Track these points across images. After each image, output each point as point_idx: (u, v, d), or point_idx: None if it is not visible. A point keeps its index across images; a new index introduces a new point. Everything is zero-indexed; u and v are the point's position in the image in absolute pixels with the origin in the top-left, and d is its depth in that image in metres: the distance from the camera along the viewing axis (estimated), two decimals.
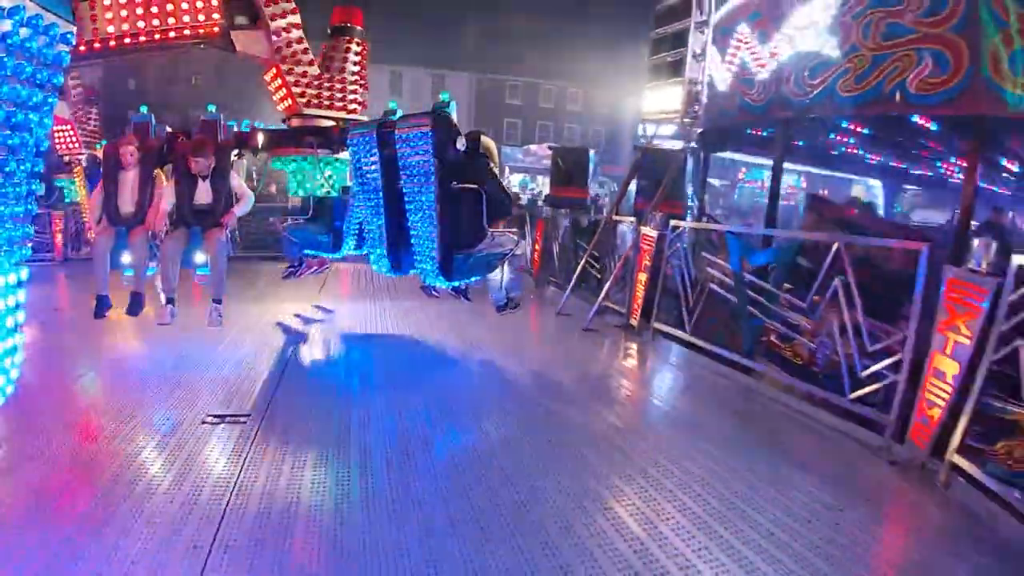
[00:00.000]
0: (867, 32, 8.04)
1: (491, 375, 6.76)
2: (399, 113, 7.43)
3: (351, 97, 7.91)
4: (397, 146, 6.46)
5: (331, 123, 7.76)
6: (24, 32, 3.45)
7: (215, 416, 5.12)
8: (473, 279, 7.04)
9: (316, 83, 7.67)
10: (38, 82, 3.58)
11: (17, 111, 3.47)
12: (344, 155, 7.69)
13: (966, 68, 6.94)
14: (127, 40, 7.30)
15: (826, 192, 23.49)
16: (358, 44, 7.94)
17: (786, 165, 15.66)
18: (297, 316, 8.88)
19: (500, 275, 7.27)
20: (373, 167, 6.81)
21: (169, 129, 8.26)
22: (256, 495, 3.86)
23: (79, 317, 7.56)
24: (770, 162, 11.93)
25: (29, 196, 3.59)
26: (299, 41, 7.57)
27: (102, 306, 7.37)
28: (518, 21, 45.32)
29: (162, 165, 7.79)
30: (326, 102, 7.77)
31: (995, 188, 15.29)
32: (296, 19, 7.56)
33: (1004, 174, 14.23)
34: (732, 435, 5.29)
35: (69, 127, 12.24)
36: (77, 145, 12.29)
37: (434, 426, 5.15)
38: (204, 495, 3.83)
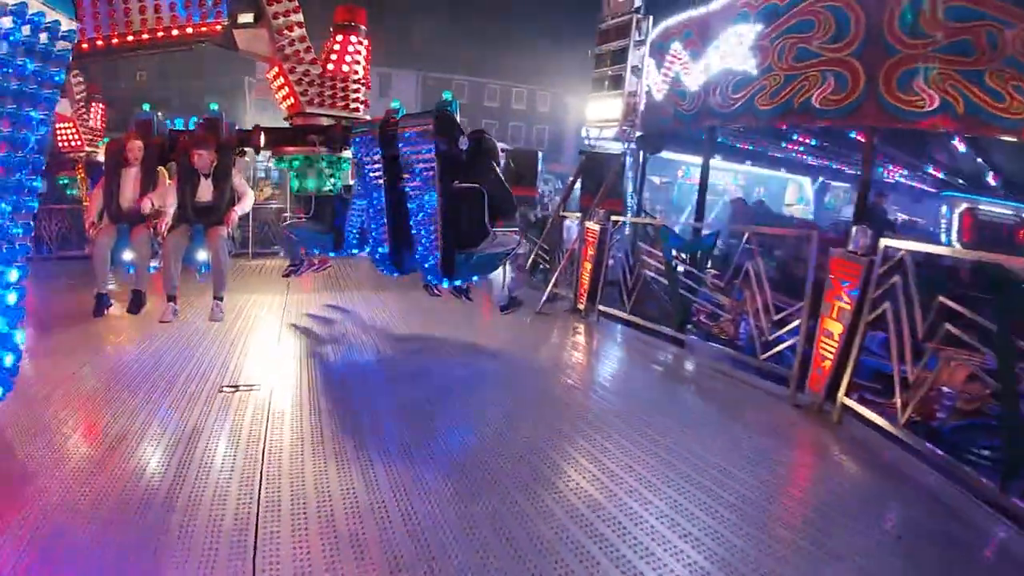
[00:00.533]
0: (781, 55, 9.73)
1: (458, 353, 7.29)
2: (402, 112, 7.43)
3: (353, 96, 7.90)
4: (400, 145, 6.46)
5: (333, 122, 7.75)
6: (27, 29, 3.45)
7: (230, 386, 5.58)
8: (475, 278, 7.05)
9: (318, 82, 7.67)
10: (40, 79, 3.58)
11: (19, 107, 3.48)
12: (346, 154, 7.69)
13: (862, 86, 8.60)
14: (130, 38, 7.31)
15: (762, 190, 28.39)
16: (361, 43, 7.93)
17: (727, 164, 22.73)
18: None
19: (503, 275, 7.29)
20: (375, 166, 6.80)
21: (171, 127, 8.29)
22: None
23: (76, 315, 7.54)
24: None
25: (31, 192, 3.59)
26: (302, 39, 7.56)
27: (101, 304, 7.39)
28: (464, 21, 46.35)
29: (164, 163, 7.80)
30: (328, 101, 7.76)
31: (923, 186, 19.39)
32: (299, 17, 7.55)
33: (929, 174, 17.96)
34: (667, 392, 6.66)
35: (71, 124, 12.25)
36: (79, 142, 12.30)
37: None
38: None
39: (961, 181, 16.29)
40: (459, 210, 6.47)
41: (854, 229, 5.70)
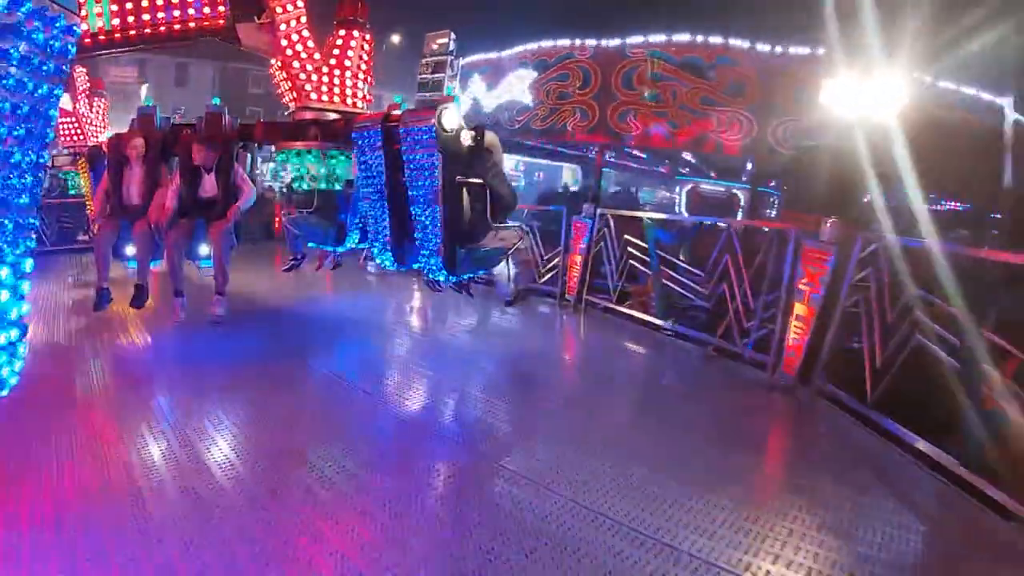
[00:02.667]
0: (548, 93, 15.26)
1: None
2: (404, 107, 7.43)
3: (356, 91, 7.89)
4: (401, 140, 6.46)
5: (336, 116, 7.75)
6: (30, 23, 3.44)
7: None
8: (477, 273, 7.05)
9: (321, 76, 7.66)
10: (44, 74, 3.58)
11: (23, 102, 3.48)
12: (348, 148, 7.69)
13: (598, 118, 14.38)
14: (132, 33, 7.31)
15: (541, 175, 38.25)
16: (364, 37, 7.92)
17: (512, 157, 28.58)
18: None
19: (506, 270, 7.31)
20: (377, 161, 6.80)
21: (174, 122, 8.29)
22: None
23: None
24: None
25: (35, 187, 3.59)
26: (303, 34, 7.56)
27: (102, 299, 7.40)
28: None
29: (167, 158, 7.80)
30: (330, 95, 7.76)
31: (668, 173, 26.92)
32: (301, 12, 7.54)
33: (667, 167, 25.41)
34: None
35: (74, 119, 12.25)
36: (82, 137, 12.30)
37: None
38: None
39: (687, 170, 23.86)
40: (461, 205, 6.47)
41: (585, 205, 10.10)
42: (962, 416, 4.77)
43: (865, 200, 8.86)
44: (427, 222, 6.51)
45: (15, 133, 3.46)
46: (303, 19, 7.58)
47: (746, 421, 6.01)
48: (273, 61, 7.81)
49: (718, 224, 9.15)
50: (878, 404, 5.60)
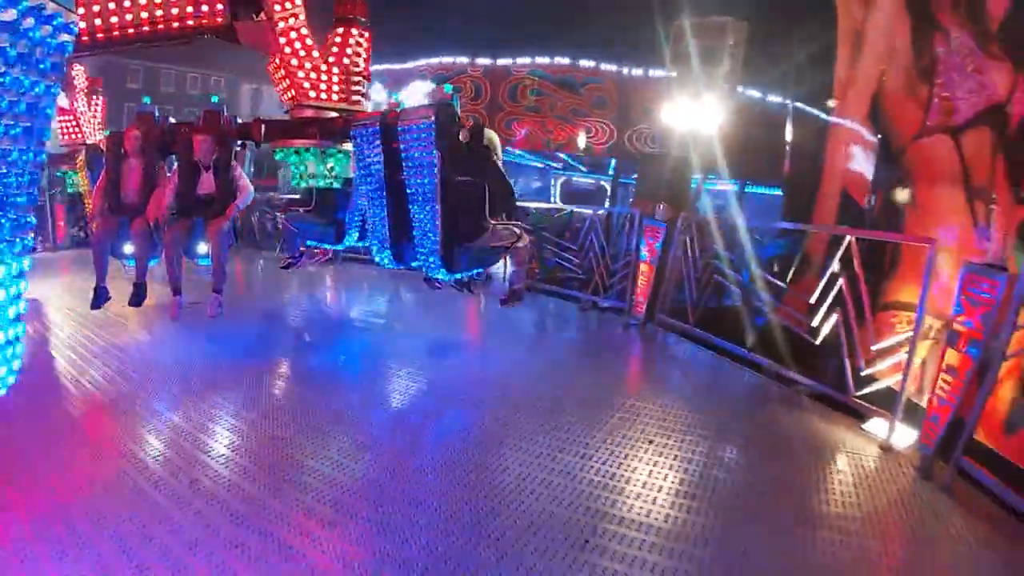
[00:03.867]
0: None
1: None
2: (403, 105, 7.42)
3: (354, 88, 7.88)
4: (400, 138, 6.45)
5: (334, 114, 7.74)
6: (27, 21, 3.43)
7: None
8: (475, 271, 7.04)
9: (319, 74, 7.65)
10: (41, 71, 3.57)
11: (20, 100, 3.47)
12: (347, 146, 7.68)
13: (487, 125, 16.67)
14: (130, 31, 7.29)
15: None
16: (362, 35, 7.91)
17: None
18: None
19: (503, 268, 7.31)
20: (376, 159, 6.80)
21: (173, 120, 8.27)
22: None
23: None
24: None
25: (32, 186, 3.59)
26: (302, 32, 7.55)
27: (100, 297, 7.38)
28: None
29: (165, 155, 7.79)
30: (329, 93, 7.75)
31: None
32: (300, 9, 7.53)
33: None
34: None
35: (72, 117, 12.22)
36: (80, 135, 12.26)
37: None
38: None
39: (559, 165, 26.78)
40: (459, 203, 6.46)
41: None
42: (744, 322, 7.69)
43: (693, 188, 11.65)
44: (426, 220, 6.51)
45: (12, 131, 3.46)
46: (301, 16, 7.57)
47: (613, 345, 8.60)
48: (271, 59, 7.79)
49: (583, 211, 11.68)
50: (696, 324, 8.34)
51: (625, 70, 17.55)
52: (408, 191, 6.58)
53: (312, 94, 7.67)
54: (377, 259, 7.40)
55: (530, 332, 9.19)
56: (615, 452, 4.81)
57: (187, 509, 3.57)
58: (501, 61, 17.30)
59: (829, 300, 5.89)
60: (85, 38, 6.82)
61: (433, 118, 6.17)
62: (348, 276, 12.28)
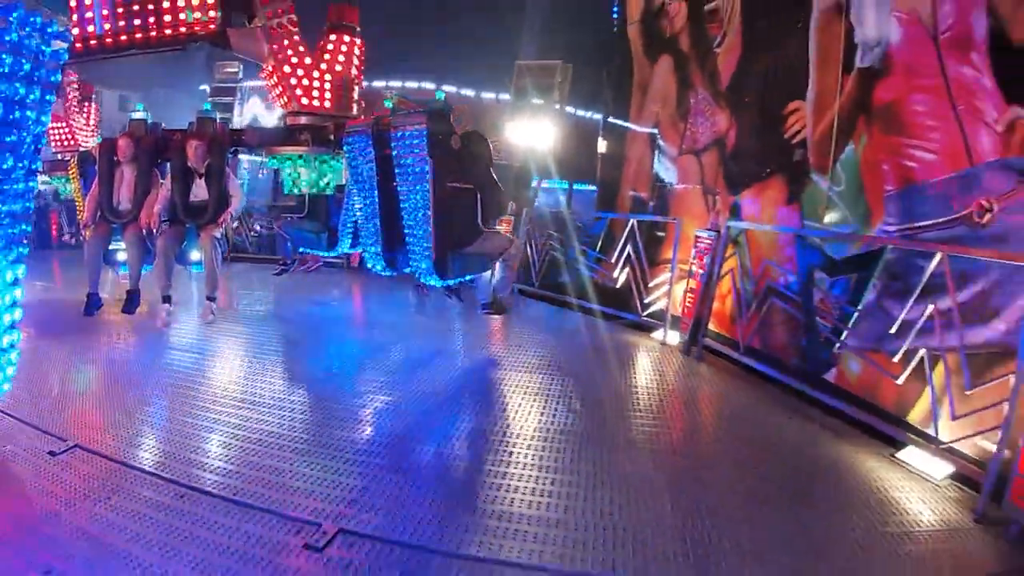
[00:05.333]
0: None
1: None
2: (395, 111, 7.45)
3: (347, 95, 7.92)
4: (392, 145, 6.48)
5: (327, 121, 7.77)
6: (21, 29, 3.46)
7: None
8: (467, 278, 7.06)
9: (312, 81, 7.68)
10: (35, 79, 3.60)
11: (15, 108, 3.49)
12: (340, 153, 7.71)
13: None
14: (123, 38, 7.32)
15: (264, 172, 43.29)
16: (354, 42, 7.95)
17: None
18: None
19: (490, 275, 7.32)
20: (368, 166, 6.83)
21: (165, 127, 8.28)
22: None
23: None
24: None
25: (27, 193, 3.61)
26: (295, 39, 7.58)
27: (93, 304, 7.38)
28: None
29: (158, 163, 7.80)
30: (320, 100, 7.78)
31: None
32: (292, 17, 7.57)
33: None
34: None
35: (64, 124, 12.22)
36: (72, 143, 12.26)
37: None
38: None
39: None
40: (451, 209, 6.48)
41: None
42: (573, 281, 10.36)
43: (534, 185, 13.49)
44: (418, 226, 6.53)
45: (7, 139, 3.48)
46: (294, 24, 7.61)
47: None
48: (264, 66, 7.82)
49: None
50: (541, 288, 10.90)
51: (481, 94, 20.25)
52: (400, 198, 6.60)
53: (304, 101, 7.71)
54: (369, 264, 7.43)
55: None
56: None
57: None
58: (376, 83, 18.74)
59: (623, 260, 9.54)
60: (79, 45, 6.85)
61: (425, 125, 6.20)
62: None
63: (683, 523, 3.61)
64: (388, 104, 7.02)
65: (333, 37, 7.86)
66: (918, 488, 4.29)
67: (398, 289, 10.66)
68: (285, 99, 7.76)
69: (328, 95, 7.81)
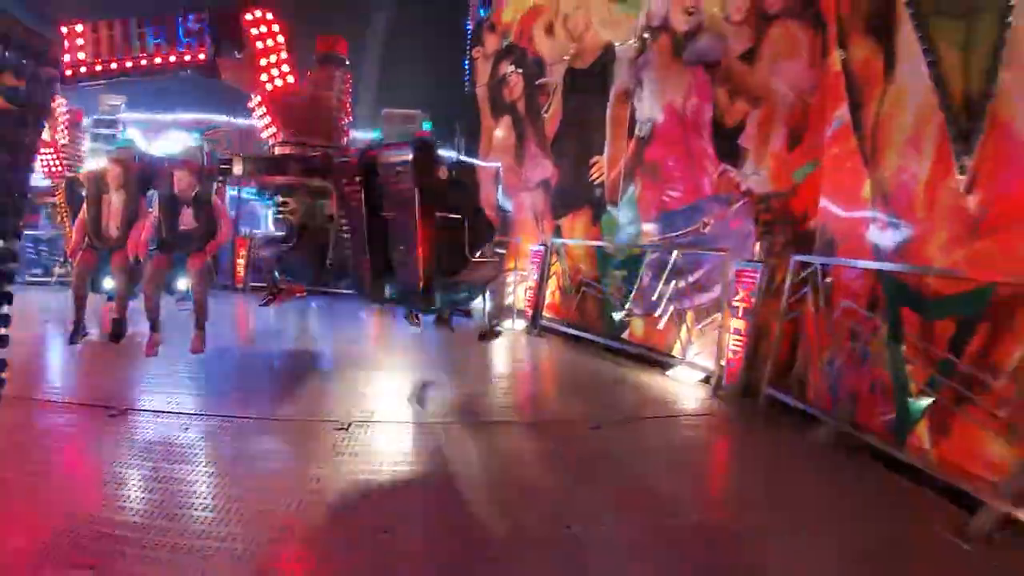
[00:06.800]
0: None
1: None
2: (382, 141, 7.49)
3: (335, 125, 7.96)
4: (380, 174, 6.50)
5: (315, 151, 7.78)
6: (13, 54, 3.47)
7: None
8: (455, 307, 7.06)
9: (300, 111, 7.71)
10: (28, 105, 3.60)
11: (5, 133, 3.49)
12: (328, 183, 7.71)
13: None
14: (114, 66, 7.35)
15: None
16: (342, 73, 8.01)
17: None
18: None
19: (483, 303, 7.34)
20: (356, 195, 6.84)
21: (155, 154, 8.29)
22: None
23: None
24: None
25: (16, 217, 3.60)
26: (284, 69, 7.63)
27: (78, 332, 7.30)
28: None
29: (146, 190, 7.78)
30: (310, 130, 7.80)
31: None
32: (282, 48, 7.62)
33: None
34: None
35: (52, 150, 12.21)
36: (60, 168, 12.25)
37: None
38: None
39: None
40: (440, 239, 6.49)
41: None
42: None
43: None
44: (406, 256, 6.53)
45: None
46: (283, 55, 7.65)
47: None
48: (253, 96, 7.86)
49: None
50: None
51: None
52: (388, 227, 6.61)
53: (293, 131, 7.73)
54: (357, 296, 7.42)
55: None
56: None
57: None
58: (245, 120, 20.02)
59: None
60: (69, 72, 6.87)
61: (412, 154, 6.22)
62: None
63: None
64: (375, 135, 7.07)
65: (322, 68, 7.92)
66: (681, 388, 7.93)
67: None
68: (274, 129, 7.79)
69: (317, 125, 7.84)
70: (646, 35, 9.49)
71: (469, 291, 6.84)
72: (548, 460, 5.40)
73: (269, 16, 7.59)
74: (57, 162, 12.32)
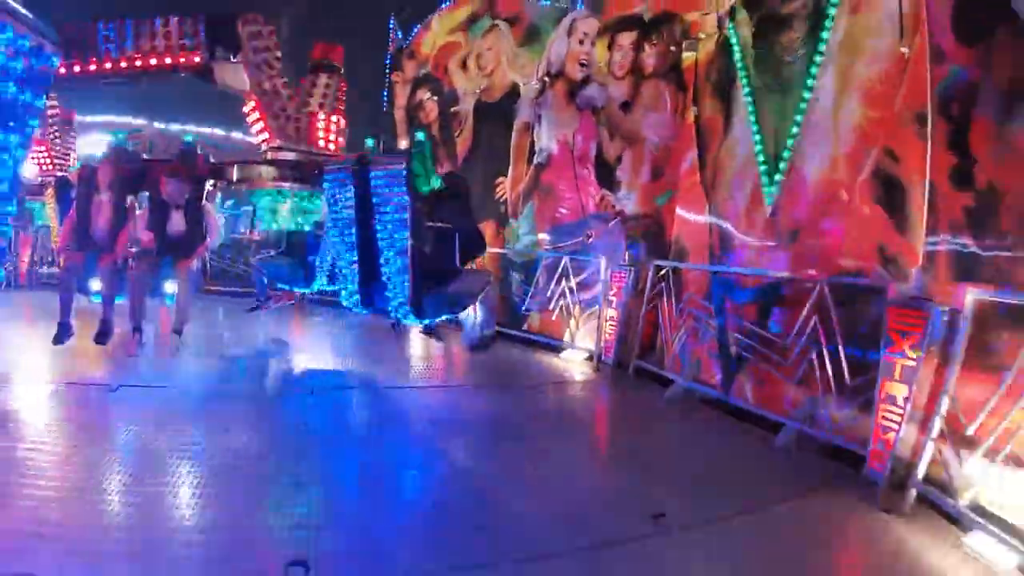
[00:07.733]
0: None
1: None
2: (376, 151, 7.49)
3: (328, 132, 7.97)
4: (372, 184, 6.50)
5: (308, 158, 7.79)
6: (8, 52, 3.47)
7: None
8: (444, 317, 7.04)
9: (294, 117, 7.72)
10: (20, 102, 3.60)
11: None
12: (320, 189, 7.71)
13: None
14: (108, 66, 7.35)
15: None
16: (337, 80, 8.02)
17: None
18: None
19: (473, 314, 7.30)
20: (347, 203, 6.83)
21: (145, 156, 8.27)
22: None
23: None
24: None
25: (4, 217, 3.59)
26: (278, 75, 7.64)
27: (63, 332, 7.24)
28: None
29: (136, 192, 7.75)
30: (303, 136, 7.81)
31: None
32: (277, 53, 7.64)
33: None
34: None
35: (44, 149, 12.16)
36: (51, 167, 12.20)
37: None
38: None
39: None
40: (430, 248, 6.50)
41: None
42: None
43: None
44: (396, 265, 6.53)
45: None
46: (278, 60, 7.67)
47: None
48: (246, 101, 7.87)
49: None
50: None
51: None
52: (379, 236, 6.61)
53: (287, 137, 7.74)
54: (346, 303, 7.40)
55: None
56: None
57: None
58: (173, 126, 20.88)
59: None
60: (63, 71, 6.85)
61: (405, 165, 6.23)
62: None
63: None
64: (370, 143, 7.08)
65: (316, 75, 7.94)
66: (571, 365, 9.02)
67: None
68: (267, 135, 7.79)
69: (310, 132, 7.86)
70: (546, 79, 11.03)
71: (459, 301, 6.82)
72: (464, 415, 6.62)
73: (264, 22, 7.62)
74: (48, 161, 12.27)
